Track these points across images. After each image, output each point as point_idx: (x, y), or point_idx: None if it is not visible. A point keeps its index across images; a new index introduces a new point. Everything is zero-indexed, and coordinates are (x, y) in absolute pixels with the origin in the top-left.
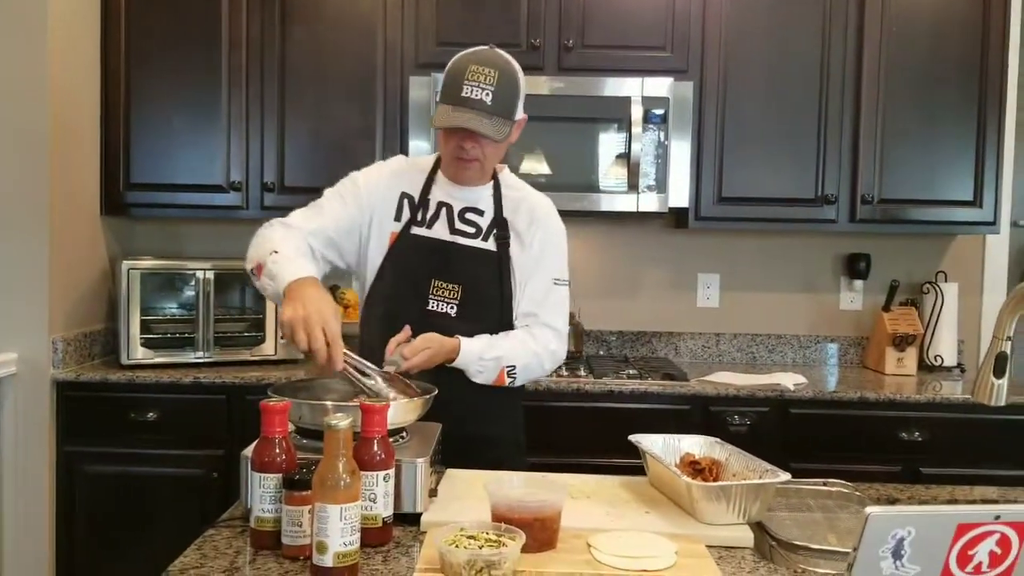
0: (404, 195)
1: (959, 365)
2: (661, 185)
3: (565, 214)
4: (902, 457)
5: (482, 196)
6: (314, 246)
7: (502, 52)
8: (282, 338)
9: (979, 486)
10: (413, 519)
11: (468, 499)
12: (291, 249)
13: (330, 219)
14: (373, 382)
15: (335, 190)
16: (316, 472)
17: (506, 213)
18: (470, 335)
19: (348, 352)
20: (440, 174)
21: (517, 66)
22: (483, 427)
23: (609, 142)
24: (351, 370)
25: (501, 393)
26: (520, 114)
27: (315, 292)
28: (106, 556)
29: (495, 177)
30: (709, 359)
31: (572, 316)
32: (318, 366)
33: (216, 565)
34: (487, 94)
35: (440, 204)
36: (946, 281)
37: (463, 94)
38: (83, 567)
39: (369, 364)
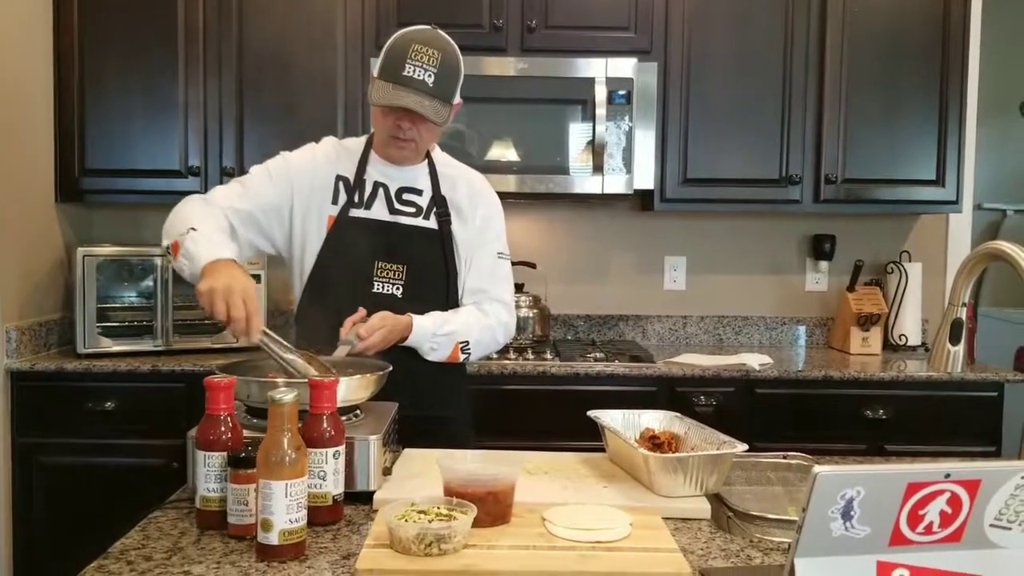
0: (339, 178)
1: (923, 344)
2: (626, 167)
3: (530, 197)
4: (867, 435)
5: (418, 175)
6: (235, 224)
7: (444, 34)
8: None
9: (942, 459)
10: (366, 498)
11: (424, 477)
12: (210, 227)
13: (255, 197)
14: (292, 357)
15: (263, 167)
16: (260, 448)
17: (444, 190)
18: (419, 315)
19: (267, 330)
20: (373, 154)
21: (458, 50)
22: (434, 409)
23: (573, 124)
24: (268, 342)
25: (451, 373)
26: (457, 99)
27: (235, 269)
28: (64, 548)
29: (428, 155)
30: (676, 342)
31: (538, 299)
32: (235, 335)
33: (159, 546)
34: (429, 75)
35: (376, 184)
36: (910, 261)
37: (405, 73)
38: (41, 560)
39: (286, 343)
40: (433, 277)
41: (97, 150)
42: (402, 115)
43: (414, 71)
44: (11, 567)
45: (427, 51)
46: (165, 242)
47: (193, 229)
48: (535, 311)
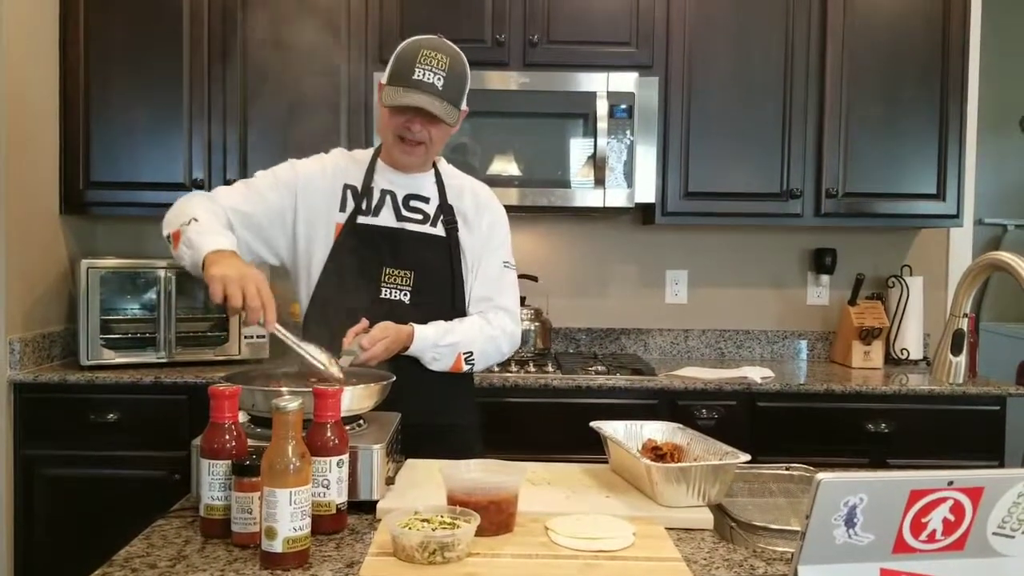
0: (347, 186)
1: (925, 358)
2: (628, 180)
3: (532, 210)
4: (869, 449)
5: (425, 183)
6: (235, 224)
7: (449, 42)
8: (221, 307)
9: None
10: (369, 507)
11: (426, 487)
12: (212, 220)
13: (258, 201)
14: (306, 345)
15: (270, 172)
16: (264, 456)
17: (451, 200)
18: (424, 321)
19: (279, 326)
20: (380, 162)
21: (464, 57)
22: (441, 417)
23: (575, 138)
24: (283, 331)
25: (456, 382)
26: (464, 105)
27: (241, 261)
28: (66, 561)
29: (434, 166)
30: (678, 355)
31: (540, 312)
32: (247, 323)
33: (163, 554)
34: (439, 79)
35: (384, 192)
36: (911, 275)
37: (415, 77)
38: (42, 571)
39: (297, 337)
40: (440, 283)
41: (102, 163)
42: (412, 117)
43: (424, 75)
44: None
45: (436, 56)
46: (165, 231)
47: (195, 220)
48: (537, 324)
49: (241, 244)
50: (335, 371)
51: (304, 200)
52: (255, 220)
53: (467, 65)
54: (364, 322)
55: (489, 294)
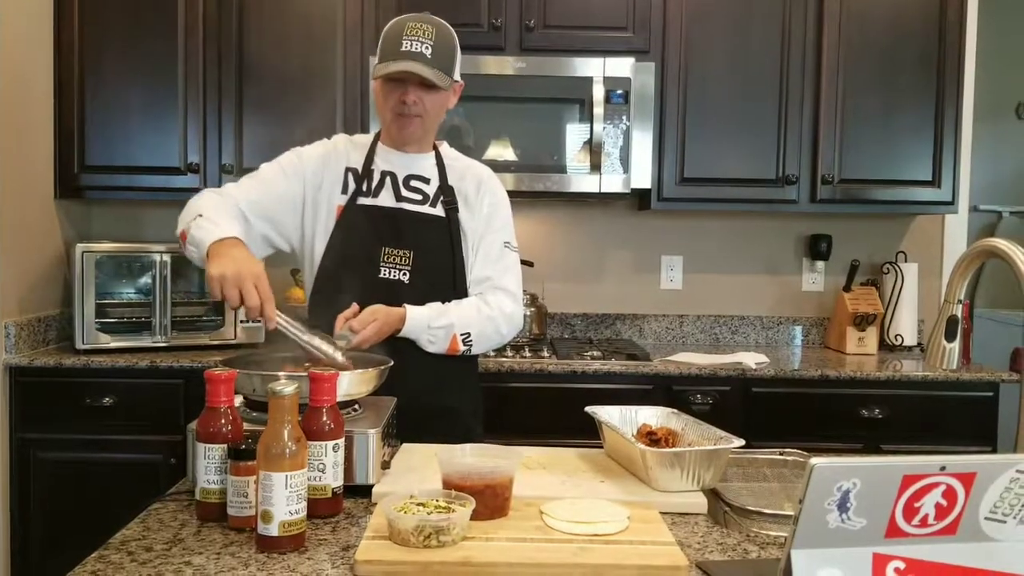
0: (348, 169)
1: (919, 344)
2: (624, 166)
3: (528, 195)
4: (863, 434)
5: (425, 164)
6: (248, 217)
7: (436, 17)
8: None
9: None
10: (365, 491)
11: (422, 471)
12: (217, 212)
13: (268, 190)
14: (311, 337)
15: (276, 163)
16: (260, 440)
17: (451, 180)
18: (423, 302)
19: (280, 313)
20: (381, 144)
21: (453, 30)
22: (442, 399)
23: (571, 123)
24: (287, 325)
25: (458, 364)
26: (458, 77)
27: (241, 251)
28: (62, 544)
29: (436, 149)
30: (673, 341)
31: (536, 298)
32: (249, 319)
33: (159, 537)
34: (427, 47)
35: (384, 173)
36: (906, 261)
37: (403, 48)
38: (38, 555)
39: (301, 326)
40: (440, 263)
41: (97, 147)
42: (406, 90)
43: (411, 45)
44: (9, 561)
45: (422, 27)
46: (176, 231)
47: (200, 216)
48: (532, 309)
49: (256, 234)
50: (340, 359)
51: (311, 185)
52: (267, 208)
53: (455, 37)
54: (354, 307)
55: (489, 274)
